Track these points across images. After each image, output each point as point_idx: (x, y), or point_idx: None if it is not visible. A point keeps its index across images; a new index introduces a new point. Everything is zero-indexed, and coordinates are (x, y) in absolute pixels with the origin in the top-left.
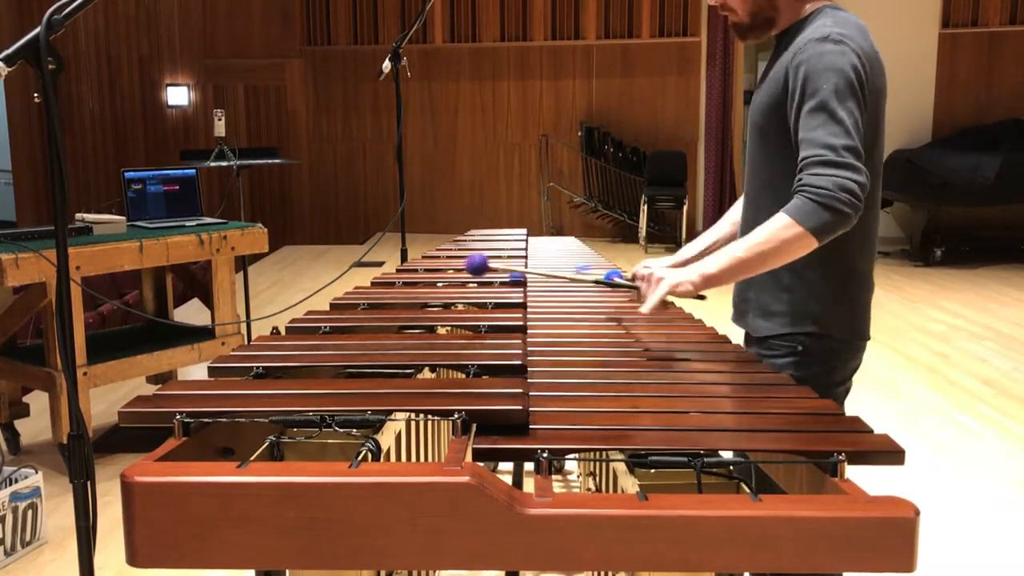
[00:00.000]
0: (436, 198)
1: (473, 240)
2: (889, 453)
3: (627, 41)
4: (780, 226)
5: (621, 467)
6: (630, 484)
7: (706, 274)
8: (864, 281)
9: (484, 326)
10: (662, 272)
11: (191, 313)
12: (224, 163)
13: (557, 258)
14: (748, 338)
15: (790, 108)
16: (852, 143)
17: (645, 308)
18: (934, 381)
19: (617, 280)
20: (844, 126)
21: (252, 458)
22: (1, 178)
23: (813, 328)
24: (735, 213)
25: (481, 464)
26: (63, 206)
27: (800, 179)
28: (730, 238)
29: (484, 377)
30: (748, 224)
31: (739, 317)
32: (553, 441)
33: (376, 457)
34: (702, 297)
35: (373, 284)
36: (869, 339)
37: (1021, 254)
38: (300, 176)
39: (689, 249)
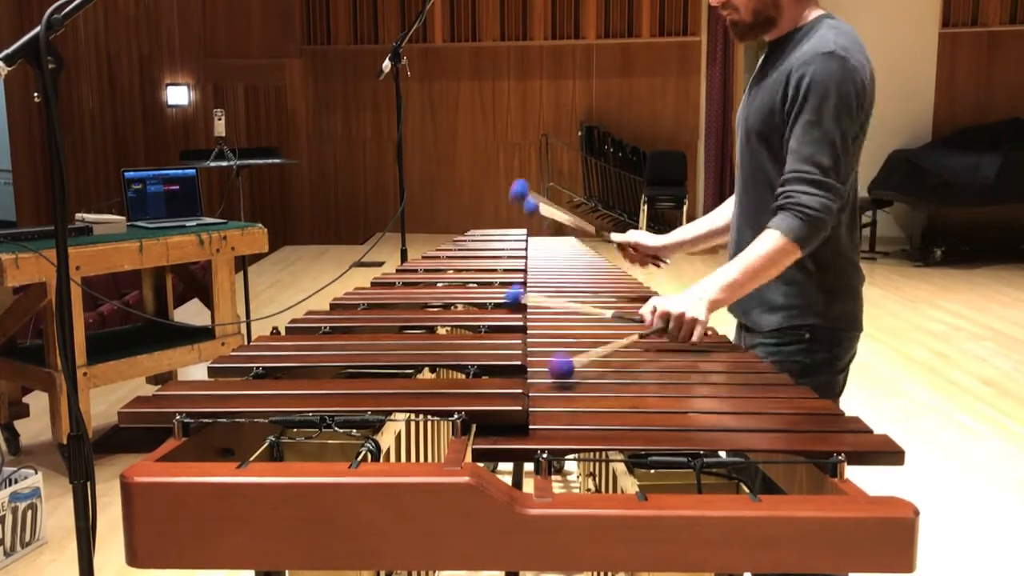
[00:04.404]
0: (436, 198)
1: (473, 240)
2: (889, 453)
3: (627, 40)
4: (776, 246)
5: (621, 467)
6: (630, 484)
7: (715, 300)
8: (857, 269)
9: (484, 326)
10: (691, 312)
11: (191, 313)
12: (224, 163)
13: (557, 258)
14: (745, 329)
15: (787, 113)
16: (838, 165)
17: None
18: (934, 381)
19: (646, 331)
20: (834, 146)
21: (252, 458)
22: (1, 178)
23: (817, 320)
24: (725, 213)
25: (481, 464)
26: (63, 206)
27: (789, 194)
28: (721, 234)
29: (484, 377)
30: (743, 234)
31: (743, 314)
32: (553, 441)
33: (376, 457)
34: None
35: (373, 284)
36: (862, 330)
37: (1021, 254)
38: (300, 176)
39: (681, 232)
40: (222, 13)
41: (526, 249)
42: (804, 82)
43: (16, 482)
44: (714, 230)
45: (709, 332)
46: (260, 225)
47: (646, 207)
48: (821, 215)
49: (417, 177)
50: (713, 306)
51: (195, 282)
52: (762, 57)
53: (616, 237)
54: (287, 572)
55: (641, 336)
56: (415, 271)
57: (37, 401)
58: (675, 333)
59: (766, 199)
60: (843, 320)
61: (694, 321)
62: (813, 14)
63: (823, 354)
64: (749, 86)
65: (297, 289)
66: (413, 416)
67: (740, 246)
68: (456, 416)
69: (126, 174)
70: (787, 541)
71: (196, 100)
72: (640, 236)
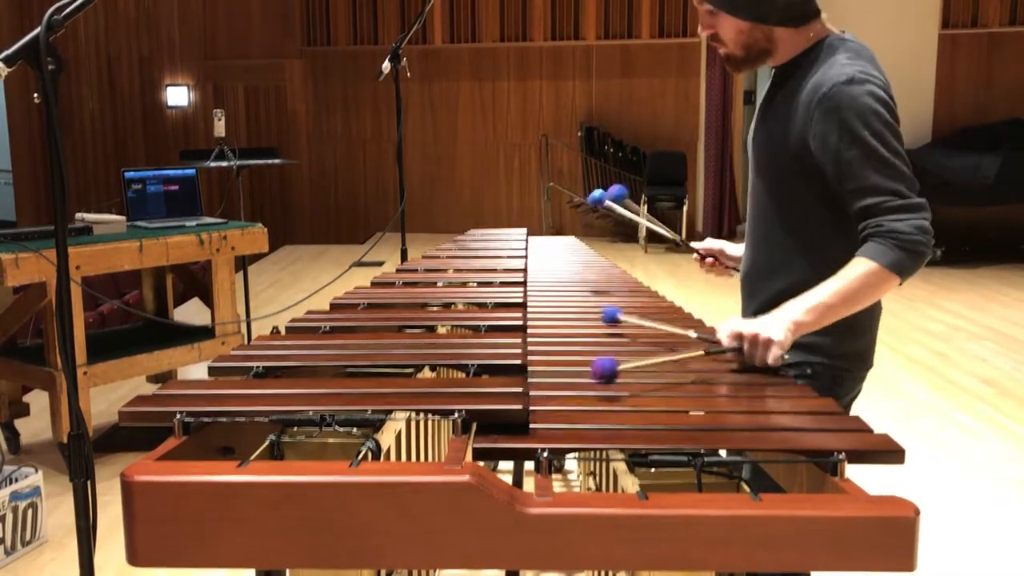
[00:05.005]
0: (436, 198)
1: (473, 240)
2: (889, 452)
3: (627, 41)
4: (868, 271)
5: (621, 466)
6: (630, 484)
7: (799, 322)
8: (875, 308)
9: (484, 325)
10: (766, 332)
11: (191, 313)
12: (224, 163)
13: (557, 258)
14: None
15: (824, 155)
16: (911, 182)
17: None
18: (934, 381)
19: (716, 348)
20: (897, 167)
21: (252, 457)
22: (1, 178)
23: (822, 358)
24: None
25: (481, 463)
26: (63, 206)
27: (879, 224)
28: None
29: (484, 376)
30: (756, 262)
31: None
32: (553, 440)
33: (376, 456)
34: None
35: (373, 284)
36: (871, 367)
37: (1021, 254)
38: (300, 176)
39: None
40: (222, 14)
41: (526, 249)
42: (833, 117)
43: (16, 481)
44: None
45: (786, 357)
46: (260, 225)
47: (646, 207)
48: (918, 238)
49: (417, 177)
50: (798, 328)
51: (195, 282)
52: (769, 80)
53: (698, 244)
54: (288, 571)
55: (708, 353)
56: (415, 271)
57: (37, 400)
58: (751, 353)
59: (775, 228)
60: (849, 359)
61: (769, 342)
62: (819, 34)
63: (823, 393)
64: (759, 111)
65: (297, 289)
66: (413, 415)
67: (750, 271)
68: (456, 415)
69: (126, 174)
70: (787, 540)
71: (196, 101)
72: (725, 245)
